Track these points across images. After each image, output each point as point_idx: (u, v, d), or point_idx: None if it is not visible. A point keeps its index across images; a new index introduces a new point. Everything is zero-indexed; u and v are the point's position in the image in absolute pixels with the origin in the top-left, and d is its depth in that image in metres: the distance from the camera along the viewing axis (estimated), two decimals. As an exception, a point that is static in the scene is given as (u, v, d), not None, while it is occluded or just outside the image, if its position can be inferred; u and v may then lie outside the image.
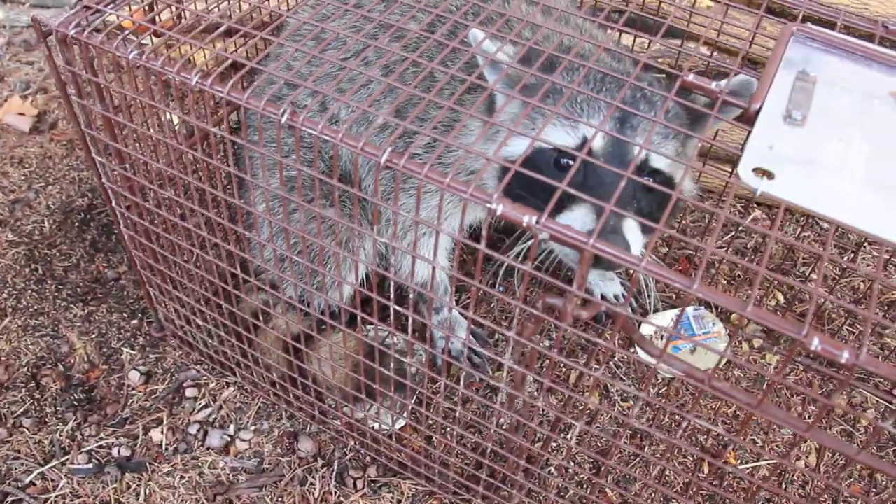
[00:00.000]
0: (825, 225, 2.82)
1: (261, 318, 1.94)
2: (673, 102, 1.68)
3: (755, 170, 1.22)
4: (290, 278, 1.71)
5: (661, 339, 2.37)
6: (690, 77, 1.37)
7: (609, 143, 1.60)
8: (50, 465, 2.13)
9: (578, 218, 1.54)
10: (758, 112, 1.31)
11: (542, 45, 1.48)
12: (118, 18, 1.59)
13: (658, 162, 1.67)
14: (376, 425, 2.07)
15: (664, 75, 2.36)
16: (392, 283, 1.47)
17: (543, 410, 2.19)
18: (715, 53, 2.57)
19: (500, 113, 1.70)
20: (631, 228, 1.55)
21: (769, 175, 1.21)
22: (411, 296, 1.56)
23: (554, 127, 1.65)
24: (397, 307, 1.48)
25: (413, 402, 1.94)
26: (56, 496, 2.07)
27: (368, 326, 2.16)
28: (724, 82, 1.37)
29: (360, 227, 1.55)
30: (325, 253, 2.04)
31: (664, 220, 1.13)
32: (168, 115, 1.86)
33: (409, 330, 1.54)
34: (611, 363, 2.41)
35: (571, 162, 1.61)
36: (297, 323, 1.83)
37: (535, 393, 2.26)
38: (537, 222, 1.12)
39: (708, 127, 1.75)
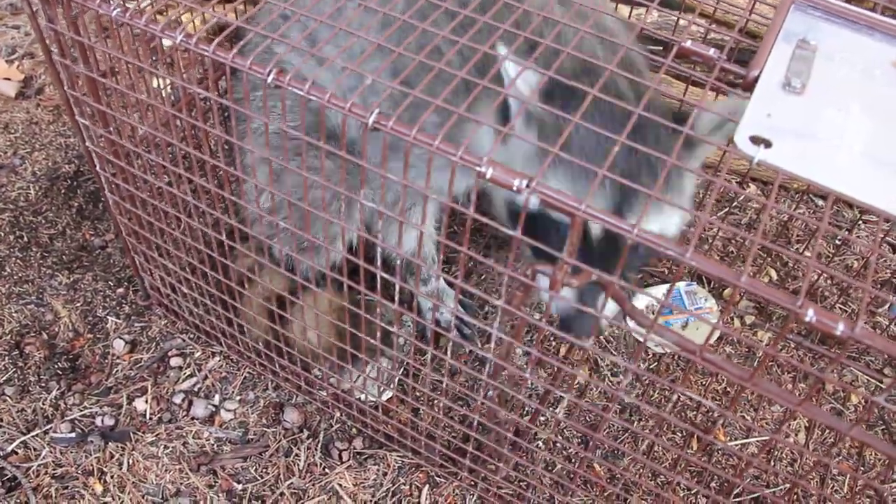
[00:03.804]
0: (820, 202, 2.80)
1: (245, 284, 1.90)
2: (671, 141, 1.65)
3: (752, 138, 1.19)
4: (276, 244, 1.68)
5: (653, 312, 2.35)
6: (688, 44, 1.34)
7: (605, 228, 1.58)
8: (32, 434, 2.11)
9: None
10: (756, 79, 1.28)
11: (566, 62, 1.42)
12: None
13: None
14: (363, 396, 2.05)
15: (662, 47, 2.32)
16: (379, 253, 1.44)
17: (532, 383, 2.17)
18: (713, 25, 2.53)
19: (512, 139, 1.66)
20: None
21: (767, 144, 1.18)
22: (398, 265, 1.52)
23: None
24: (385, 275, 1.45)
25: (400, 373, 1.92)
26: (38, 465, 2.05)
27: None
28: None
29: (348, 192, 1.51)
30: (312, 214, 2.00)
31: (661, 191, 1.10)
32: (156, 81, 1.82)
33: (396, 299, 1.51)
34: (601, 337, 2.39)
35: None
36: (278, 284, 1.80)
37: (524, 365, 2.24)
38: (528, 185, 1.09)
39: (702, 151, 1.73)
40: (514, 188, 1.09)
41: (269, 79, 1.26)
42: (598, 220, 1.09)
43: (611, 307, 1.60)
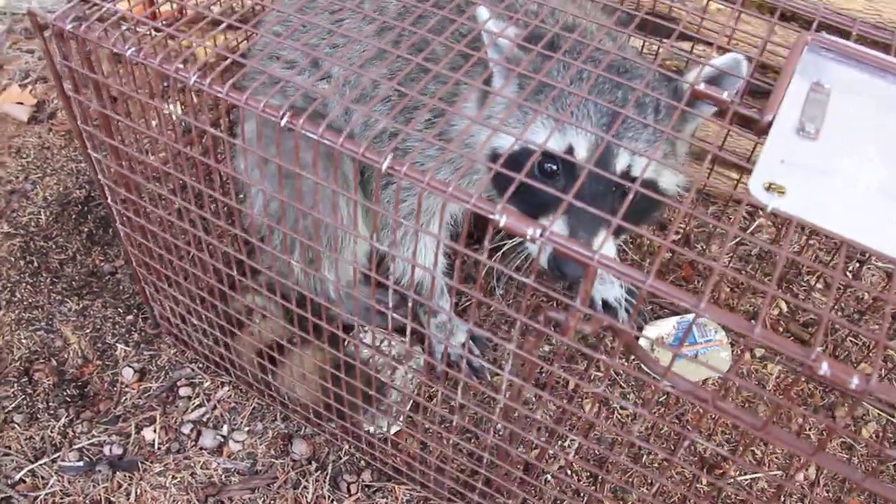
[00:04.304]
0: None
1: (246, 317, 1.90)
2: (664, 98, 1.66)
3: (766, 185, 1.18)
4: (280, 279, 1.67)
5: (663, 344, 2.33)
6: (702, 86, 1.34)
7: (592, 154, 1.58)
8: (40, 462, 2.10)
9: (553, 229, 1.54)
10: (770, 124, 1.28)
11: (546, 22, 1.44)
12: (116, 11, 1.55)
13: (640, 171, 1.64)
14: (371, 429, 2.04)
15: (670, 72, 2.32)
16: (390, 284, 1.44)
17: (541, 415, 2.16)
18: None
19: (495, 98, 1.67)
20: (602, 242, 1.58)
21: (780, 191, 1.17)
22: (410, 303, 1.52)
23: (542, 128, 1.61)
24: (396, 315, 1.45)
25: (408, 408, 1.91)
26: (46, 494, 2.04)
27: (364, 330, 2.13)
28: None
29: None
30: (325, 245, 2.00)
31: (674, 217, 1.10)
32: (167, 110, 1.83)
33: (408, 332, 1.51)
34: (611, 370, 2.38)
35: (555, 167, 1.61)
36: (272, 330, 1.79)
37: (534, 399, 2.23)
38: (541, 235, 1.09)
39: (699, 117, 1.73)
40: (528, 237, 1.09)
41: (283, 122, 1.27)
42: (609, 269, 1.08)
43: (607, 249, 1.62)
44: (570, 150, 1.59)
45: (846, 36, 1.48)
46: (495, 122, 1.68)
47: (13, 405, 2.22)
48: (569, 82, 1.61)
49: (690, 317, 2.44)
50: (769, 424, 1.15)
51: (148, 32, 1.59)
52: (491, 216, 1.10)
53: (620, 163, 1.61)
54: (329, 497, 2.06)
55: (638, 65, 1.63)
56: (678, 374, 1.19)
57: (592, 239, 1.54)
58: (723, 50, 2.35)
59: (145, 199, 1.78)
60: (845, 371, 1.00)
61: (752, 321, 1.02)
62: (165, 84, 2.72)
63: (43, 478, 2.08)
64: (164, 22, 1.54)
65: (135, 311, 2.47)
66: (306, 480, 2.09)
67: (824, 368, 1.00)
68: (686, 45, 2.30)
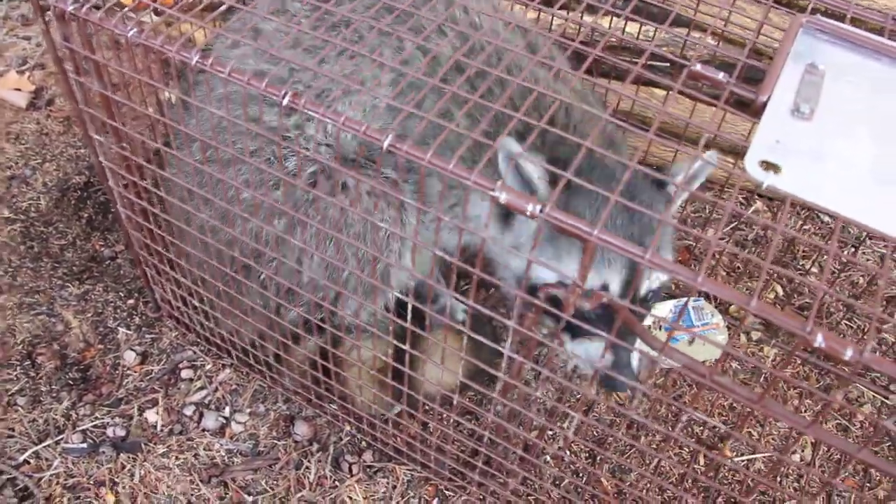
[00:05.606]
0: (826, 219, 2.80)
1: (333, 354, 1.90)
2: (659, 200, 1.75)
3: (761, 163, 1.20)
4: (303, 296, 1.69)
5: (661, 329, 2.36)
6: (698, 67, 1.35)
7: (623, 286, 1.65)
8: (44, 444, 2.12)
9: (597, 351, 1.66)
10: (765, 104, 1.30)
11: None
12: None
13: (657, 285, 1.76)
14: (372, 409, 2.06)
15: (669, 64, 2.33)
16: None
17: (540, 398, 2.18)
18: (721, 44, 2.54)
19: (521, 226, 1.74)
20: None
21: (775, 169, 1.19)
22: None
23: (575, 263, 1.66)
24: (399, 295, 1.47)
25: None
26: (50, 475, 2.06)
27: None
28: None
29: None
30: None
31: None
32: (167, 94, 1.84)
33: (409, 318, 1.53)
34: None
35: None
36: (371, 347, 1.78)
37: (533, 381, 2.25)
38: (541, 211, 1.11)
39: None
40: (528, 213, 1.11)
41: (285, 101, 1.28)
42: (612, 245, 1.10)
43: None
44: (605, 287, 1.65)
45: (841, 19, 1.50)
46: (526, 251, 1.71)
47: (16, 388, 2.24)
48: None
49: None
50: (765, 397, 1.17)
51: (147, 16, 1.60)
52: (491, 192, 1.12)
53: (646, 285, 1.72)
54: (331, 477, 2.09)
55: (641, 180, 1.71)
56: (675, 349, 1.21)
57: (629, 353, 1.62)
58: (717, 36, 2.37)
59: (147, 180, 1.79)
60: (840, 343, 1.03)
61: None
62: (166, 71, 2.73)
63: (47, 459, 2.10)
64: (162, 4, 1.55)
65: (136, 294, 2.48)
66: (308, 461, 2.12)
67: (819, 340, 1.02)
68: (679, 33, 2.31)
